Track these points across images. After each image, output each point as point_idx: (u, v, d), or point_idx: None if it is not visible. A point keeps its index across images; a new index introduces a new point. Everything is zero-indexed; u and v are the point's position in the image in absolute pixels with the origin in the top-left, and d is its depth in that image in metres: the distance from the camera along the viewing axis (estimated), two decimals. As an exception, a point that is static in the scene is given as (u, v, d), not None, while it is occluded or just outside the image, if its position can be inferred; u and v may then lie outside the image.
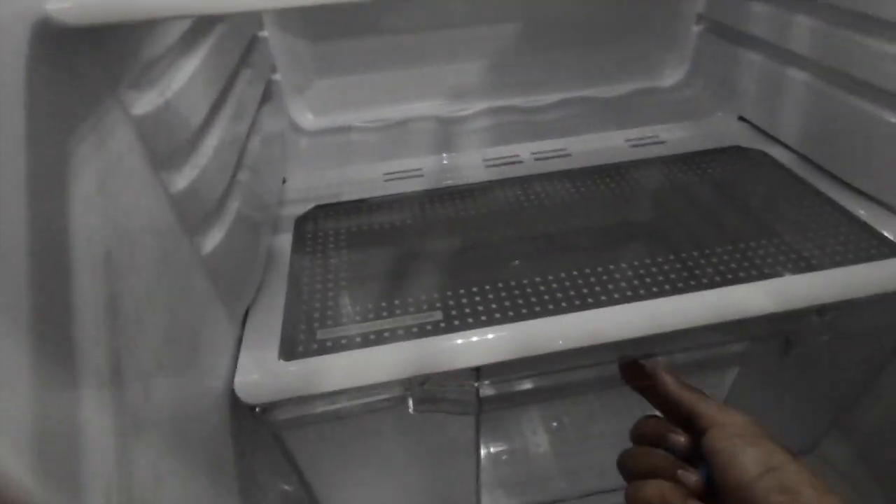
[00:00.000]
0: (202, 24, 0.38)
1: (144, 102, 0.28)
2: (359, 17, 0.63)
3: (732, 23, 0.61)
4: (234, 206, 0.38)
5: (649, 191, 0.53)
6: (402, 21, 0.64)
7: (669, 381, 0.32)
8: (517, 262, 0.44)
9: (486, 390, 0.39)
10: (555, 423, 0.61)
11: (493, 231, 0.49)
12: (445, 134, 0.64)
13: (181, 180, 0.31)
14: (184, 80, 0.32)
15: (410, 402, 0.38)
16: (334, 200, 0.54)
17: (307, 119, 0.67)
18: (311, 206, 0.53)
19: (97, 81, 0.24)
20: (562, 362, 0.39)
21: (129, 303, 0.24)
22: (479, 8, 0.66)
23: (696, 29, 0.67)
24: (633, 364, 0.37)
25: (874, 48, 0.44)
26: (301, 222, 0.51)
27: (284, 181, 0.58)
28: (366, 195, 0.54)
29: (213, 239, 0.35)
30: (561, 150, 0.59)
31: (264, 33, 0.59)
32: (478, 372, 0.38)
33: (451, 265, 0.45)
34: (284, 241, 0.49)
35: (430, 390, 0.38)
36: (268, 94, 0.58)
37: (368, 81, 0.67)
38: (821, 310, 0.40)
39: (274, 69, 0.62)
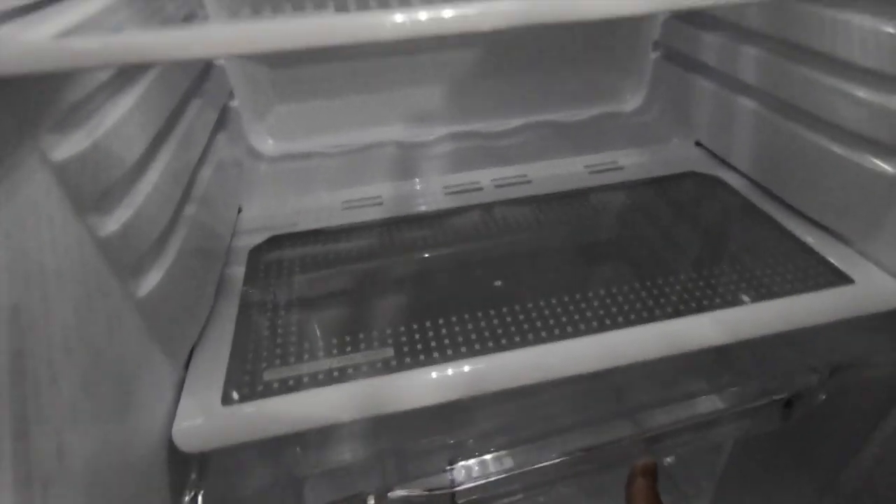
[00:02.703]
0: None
1: (68, 146, 0.27)
2: (318, 44, 0.63)
3: (686, 50, 0.62)
4: (176, 243, 0.37)
5: (608, 218, 0.53)
6: (363, 46, 0.64)
7: None
8: (473, 294, 0.44)
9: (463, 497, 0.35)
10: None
11: (451, 261, 0.49)
12: (406, 160, 0.64)
13: (112, 223, 0.30)
14: (117, 117, 0.31)
15: None
16: (291, 230, 0.53)
17: (267, 144, 0.66)
18: (266, 236, 0.52)
19: (7, 130, 0.23)
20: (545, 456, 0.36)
21: (40, 360, 0.23)
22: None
23: (653, 55, 0.69)
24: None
25: (816, 80, 0.45)
26: (255, 254, 0.50)
27: (240, 210, 0.56)
28: (323, 224, 0.54)
29: (150, 280, 0.33)
30: (521, 176, 0.60)
31: (220, 61, 0.58)
32: (451, 471, 0.36)
33: (406, 298, 0.44)
34: (237, 273, 0.47)
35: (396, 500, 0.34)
36: (223, 121, 0.57)
37: (329, 106, 0.67)
38: (817, 367, 0.40)
39: (231, 95, 0.61)
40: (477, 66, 0.69)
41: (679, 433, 0.39)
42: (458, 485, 0.35)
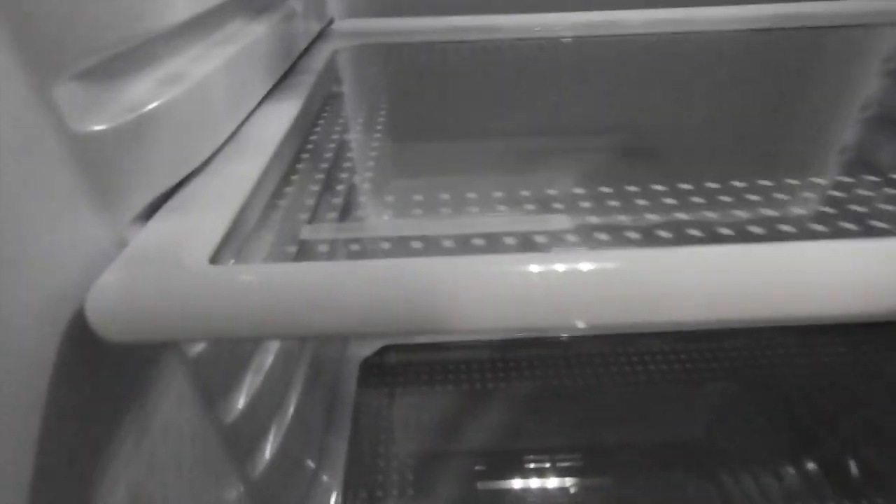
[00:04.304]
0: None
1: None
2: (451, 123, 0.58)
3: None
4: (293, 398, 0.32)
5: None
6: (493, 126, 0.59)
7: None
8: (605, 447, 0.36)
9: None
10: None
11: (578, 396, 0.41)
12: (531, 257, 0.57)
13: (239, 400, 0.26)
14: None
15: None
16: (404, 340, 0.48)
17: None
18: (378, 345, 0.47)
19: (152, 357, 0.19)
20: None
21: None
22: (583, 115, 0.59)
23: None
24: None
25: None
26: (367, 367, 0.45)
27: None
28: (440, 337, 0.48)
29: (263, 454, 0.29)
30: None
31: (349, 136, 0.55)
32: None
33: (529, 437, 0.38)
34: (347, 393, 0.43)
35: None
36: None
37: (447, 184, 0.62)
38: None
39: (354, 170, 0.58)
40: (614, 150, 0.61)
41: None
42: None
